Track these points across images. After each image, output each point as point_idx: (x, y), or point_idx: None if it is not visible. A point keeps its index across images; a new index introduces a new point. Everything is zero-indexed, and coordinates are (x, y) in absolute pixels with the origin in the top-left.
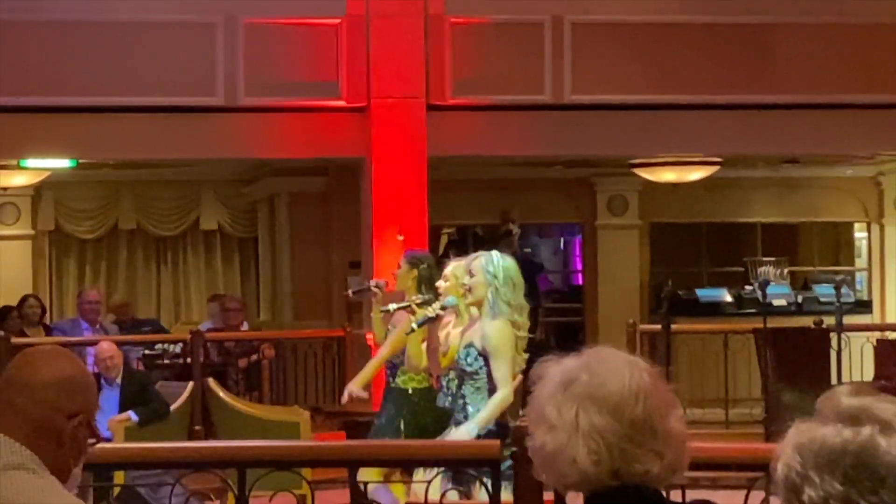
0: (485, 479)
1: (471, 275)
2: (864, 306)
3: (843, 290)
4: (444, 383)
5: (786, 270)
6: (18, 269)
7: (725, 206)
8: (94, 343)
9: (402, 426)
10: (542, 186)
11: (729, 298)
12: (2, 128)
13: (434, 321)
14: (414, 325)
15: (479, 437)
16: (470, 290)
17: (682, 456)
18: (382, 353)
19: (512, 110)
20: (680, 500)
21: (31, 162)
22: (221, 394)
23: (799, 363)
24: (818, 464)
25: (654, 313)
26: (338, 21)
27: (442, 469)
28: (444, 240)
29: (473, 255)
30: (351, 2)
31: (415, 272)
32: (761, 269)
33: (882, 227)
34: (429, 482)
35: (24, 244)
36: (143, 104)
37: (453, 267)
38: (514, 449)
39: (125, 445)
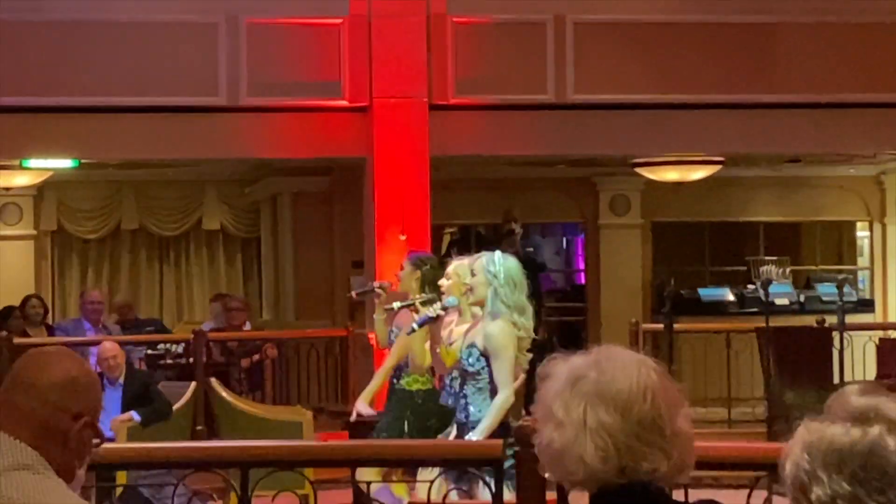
0: (487, 479)
1: (473, 274)
2: (866, 305)
3: (846, 289)
4: (447, 382)
5: (788, 269)
6: (21, 269)
7: (728, 205)
8: (96, 343)
9: (405, 427)
10: (545, 186)
11: (731, 298)
12: (4, 128)
13: (435, 321)
14: (414, 325)
15: None
16: (471, 289)
17: (688, 455)
18: (388, 364)
19: (514, 110)
20: (683, 499)
21: (33, 162)
22: (224, 394)
23: (801, 362)
24: (826, 463)
25: (657, 313)
26: (340, 21)
27: (444, 469)
28: (446, 239)
29: (477, 255)
30: (353, 1)
31: (418, 273)
32: (763, 269)
33: (884, 226)
34: (431, 482)
35: (27, 244)
36: (145, 104)
37: (455, 265)
38: (516, 448)
39: (128, 445)
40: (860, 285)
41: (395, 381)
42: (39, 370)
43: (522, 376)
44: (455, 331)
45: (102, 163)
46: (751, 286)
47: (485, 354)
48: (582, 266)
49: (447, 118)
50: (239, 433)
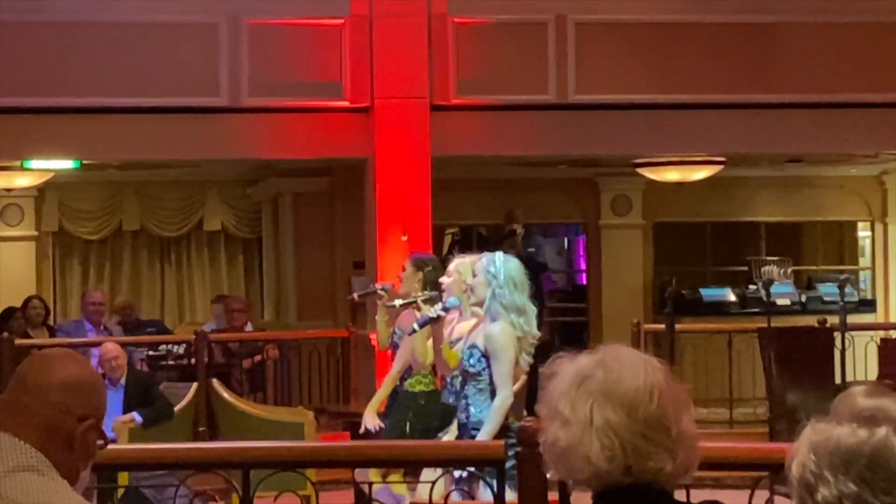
0: (489, 480)
1: (474, 275)
2: (867, 305)
3: (847, 289)
4: (448, 380)
5: (789, 270)
6: (22, 270)
7: (729, 205)
8: (98, 344)
9: (407, 428)
10: (546, 186)
11: (733, 298)
12: (5, 129)
13: (436, 321)
14: (416, 326)
15: None
16: (472, 289)
17: (693, 455)
18: (395, 370)
19: (515, 110)
20: (684, 499)
21: (34, 163)
22: (225, 394)
23: (803, 362)
24: (833, 463)
25: (659, 313)
26: (341, 21)
27: (446, 469)
28: (447, 240)
29: (480, 255)
30: (354, 2)
31: (420, 274)
32: (765, 269)
33: (886, 226)
34: (433, 483)
35: (28, 245)
36: (146, 105)
37: (457, 263)
38: (518, 449)
39: (129, 446)
40: (862, 285)
41: (398, 382)
42: (45, 372)
43: (524, 377)
44: (457, 328)
45: (104, 164)
46: (752, 286)
47: (486, 355)
48: (583, 266)
49: (448, 118)
50: (240, 434)
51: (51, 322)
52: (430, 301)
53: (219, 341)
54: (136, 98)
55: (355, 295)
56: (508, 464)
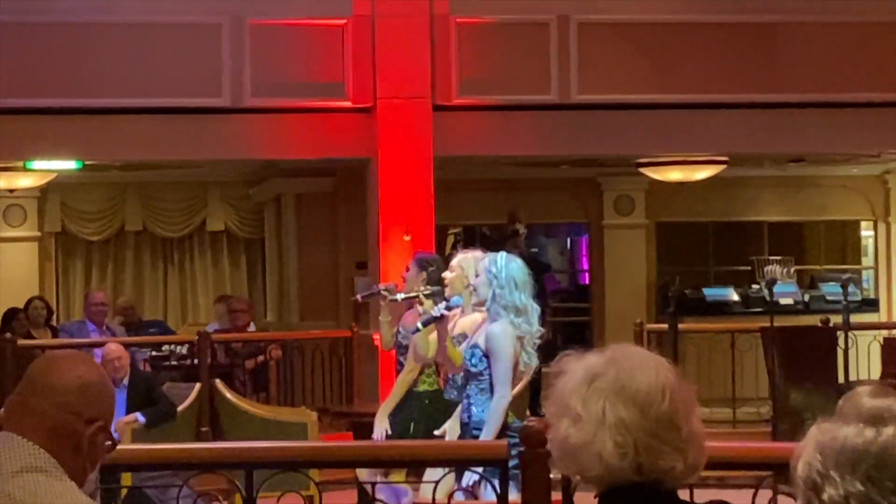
0: (492, 480)
1: (476, 275)
2: (870, 305)
3: (850, 288)
4: (450, 376)
5: (792, 269)
6: (25, 270)
7: (732, 205)
8: (100, 345)
9: (411, 428)
10: (549, 186)
11: (736, 297)
12: (8, 129)
13: (440, 320)
14: (419, 325)
15: None
16: (475, 289)
17: (701, 456)
18: (408, 374)
19: (518, 110)
20: (688, 498)
21: (37, 164)
22: (228, 395)
23: (806, 362)
24: (839, 463)
25: (662, 313)
26: (344, 21)
27: (451, 469)
28: (450, 240)
29: (483, 254)
30: (357, 2)
31: (424, 274)
32: (768, 268)
33: (889, 226)
34: (437, 483)
35: (31, 246)
36: (148, 105)
37: (460, 258)
38: (521, 449)
39: (132, 447)
40: (865, 285)
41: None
42: (54, 373)
43: (526, 377)
44: (459, 323)
45: (106, 164)
46: (755, 286)
47: (486, 355)
48: (586, 266)
49: (451, 119)
50: (243, 434)
51: (54, 323)
52: (433, 296)
53: (222, 342)
54: (139, 98)
55: (359, 296)
56: (510, 463)
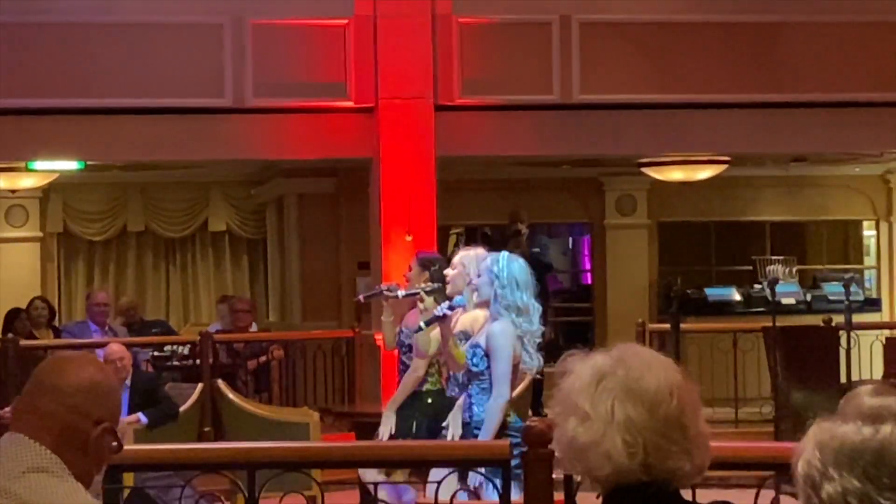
0: (495, 480)
1: (478, 275)
2: (873, 304)
3: (852, 288)
4: (452, 374)
5: (794, 269)
6: (27, 271)
7: (734, 204)
8: (102, 345)
9: (413, 428)
10: (551, 186)
11: (738, 297)
12: (10, 130)
13: (443, 320)
14: (421, 324)
15: None
16: (477, 289)
17: (707, 457)
18: (411, 376)
19: (520, 110)
20: (691, 498)
21: (39, 164)
22: (230, 395)
23: (808, 361)
24: (838, 460)
25: (663, 313)
26: (345, 21)
27: (454, 469)
28: (452, 240)
29: (485, 252)
30: (358, 2)
31: (426, 274)
32: (770, 268)
33: (891, 225)
34: (439, 483)
35: (33, 246)
36: (150, 106)
37: (462, 256)
38: (522, 449)
39: (135, 447)
40: (867, 284)
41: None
42: (62, 374)
43: (528, 378)
44: (460, 320)
45: (108, 165)
46: (757, 286)
47: (487, 354)
48: (588, 266)
49: (453, 119)
50: (245, 435)
51: (56, 323)
52: (433, 293)
53: (224, 342)
54: (141, 99)
55: (361, 297)
56: (512, 462)
